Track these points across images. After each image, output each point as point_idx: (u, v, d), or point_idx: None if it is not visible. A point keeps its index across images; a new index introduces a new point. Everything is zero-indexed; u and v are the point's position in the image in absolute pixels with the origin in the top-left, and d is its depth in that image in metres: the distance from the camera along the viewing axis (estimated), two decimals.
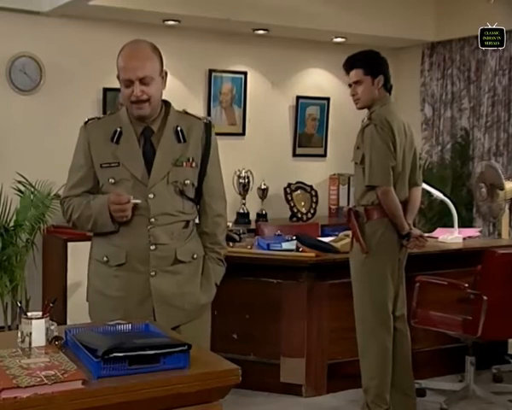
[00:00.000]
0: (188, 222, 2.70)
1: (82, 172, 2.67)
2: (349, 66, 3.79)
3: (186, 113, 2.75)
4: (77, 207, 2.66)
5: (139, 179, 2.60)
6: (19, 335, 1.98)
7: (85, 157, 2.66)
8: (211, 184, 2.75)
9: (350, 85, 3.81)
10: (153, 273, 2.60)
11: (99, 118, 2.75)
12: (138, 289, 2.61)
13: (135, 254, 2.60)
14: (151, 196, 2.60)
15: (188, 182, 2.66)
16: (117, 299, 2.61)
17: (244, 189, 6.33)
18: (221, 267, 2.80)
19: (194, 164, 2.68)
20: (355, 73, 3.75)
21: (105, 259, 2.65)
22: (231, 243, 4.62)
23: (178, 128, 2.67)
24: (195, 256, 2.70)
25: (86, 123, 2.70)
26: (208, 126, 2.74)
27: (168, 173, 2.62)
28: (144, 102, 2.58)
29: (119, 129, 2.63)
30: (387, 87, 3.78)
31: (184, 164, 2.66)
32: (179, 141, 2.66)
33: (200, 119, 2.75)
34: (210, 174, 2.74)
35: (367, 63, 3.75)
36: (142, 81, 2.56)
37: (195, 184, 2.69)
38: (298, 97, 6.82)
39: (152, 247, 2.60)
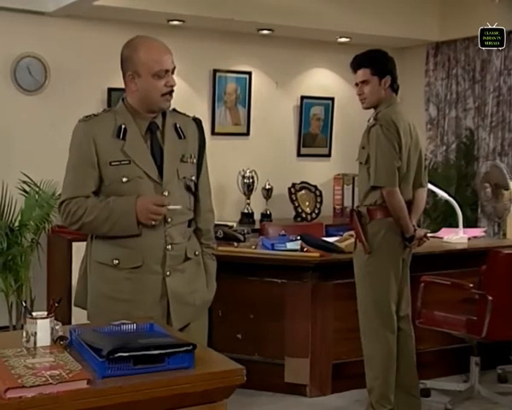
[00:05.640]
0: (191, 220, 2.72)
1: (88, 171, 2.56)
2: (356, 65, 3.78)
3: (176, 111, 2.75)
4: (91, 209, 2.55)
5: (152, 177, 2.58)
6: (24, 334, 1.98)
7: (90, 155, 2.55)
8: (203, 180, 2.77)
9: (356, 84, 3.79)
10: (168, 273, 2.60)
11: (95, 115, 2.66)
12: (152, 291, 2.58)
13: (151, 256, 2.57)
14: (166, 193, 2.59)
15: (193, 178, 2.70)
16: (129, 302, 2.55)
17: (248, 189, 6.33)
18: (215, 262, 2.84)
19: (194, 160, 2.71)
20: (362, 73, 3.74)
21: (115, 262, 2.57)
22: (236, 243, 4.63)
23: (177, 125, 2.69)
24: (197, 253, 2.73)
25: (86, 120, 2.61)
26: (199, 123, 2.78)
27: (177, 170, 2.63)
28: (172, 93, 2.62)
29: (123, 125, 2.58)
30: (394, 87, 3.77)
31: (188, 160, 2.68)
32: (180, 137, 2.68)
33: (188, 116, 2.77)
34: (203, 170, 2.76)
35: (374, 63, 3.73)
36: (172, 72, 2.62)
37: (196, 180, 2.72)
38: (302, 97, 6.81)
39: (168, 247, 2.59)
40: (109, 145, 2.57)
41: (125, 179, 2.55)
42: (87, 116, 2.65)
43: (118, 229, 2.55)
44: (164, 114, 2.68)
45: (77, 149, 2.61)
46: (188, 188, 2.67)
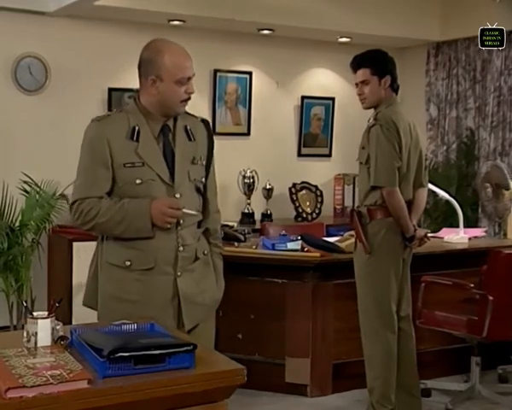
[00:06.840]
0: (200, 222, 2.72)
1: (101, 172, 2.55)
2: (356, 65, 3.78)
3: (185, 112, 2.74)
4: (105, 210, 2.54)
5: (164, 180, 2.58)
6: (24, 334, 1.99)
7: (104, 155, 2.53)
8: (211, 181, 2.78)
9: (356, 84, 3.80)
10: (179, 274, 2.60)
11: (109, 115, 2.68)
12: (163, 292, 2.58)
13: (163, 257, 2.57)
14: (178, 195, 2.59)
15: (203, 180, 2.71)
16: (139, 303, 2.55)
17: (249, 189, 6.33)
18: (222, 261, 2.85)
19: (203, 162, 2.71)
20: (362, 73, 3.74)
21: (127, 263, 2.57)
22: (236, 243, 4.63)
23: (188, 127, 2.69)
24: (205, 252, 2.73)
25: (99, 120, 2.60)
26: (207, 124, 2.79)
27: (188, 172, 2.64)
28: (189, 100, 2.64)
29: (137, 127, 2.57)
30: (394, 87, 3.77)
31: (198, 162, 2.69)
32: (190, 139, 2.68)
33: (197, 117, 2.78)
34: (211, 171, 2.77)
35: (374, 63, 3.73)
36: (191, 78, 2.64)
37: (204, 181, 2.72)
38: (303, 97, 6.81)
39: (180, 248, 2.60)
40: (123, 147, 2.55)
41: (138, 181, 2.54)
42: (100, 116, 2.64)
43: (132, 231, 2.55)
44: (175, 117, 2.68)
45: (90, 149, 2.59)
46: (198, 190, 2.68)
